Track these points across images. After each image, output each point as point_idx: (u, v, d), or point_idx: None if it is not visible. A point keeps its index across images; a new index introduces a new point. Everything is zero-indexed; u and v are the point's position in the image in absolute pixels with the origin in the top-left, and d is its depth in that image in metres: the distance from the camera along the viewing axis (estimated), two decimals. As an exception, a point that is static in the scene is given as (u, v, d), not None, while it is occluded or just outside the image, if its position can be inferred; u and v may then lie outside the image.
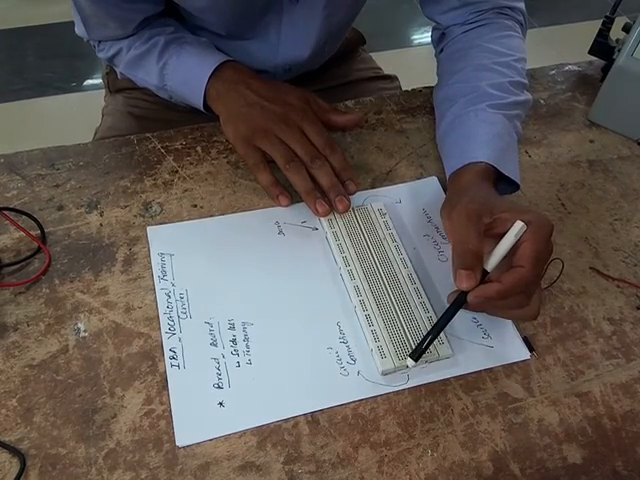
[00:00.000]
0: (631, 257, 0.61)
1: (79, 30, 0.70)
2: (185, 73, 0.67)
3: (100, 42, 0.71)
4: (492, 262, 0.49)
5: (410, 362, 0.50)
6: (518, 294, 0.48)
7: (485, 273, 0.49)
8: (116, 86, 0.85)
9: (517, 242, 0.49)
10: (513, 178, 0.58)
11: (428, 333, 0.50)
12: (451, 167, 0.60)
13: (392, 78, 0.93)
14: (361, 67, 0.92)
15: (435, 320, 0.53)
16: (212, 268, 0.57)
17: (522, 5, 0.72)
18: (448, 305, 0.50)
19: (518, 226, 0.49)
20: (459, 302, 0.49)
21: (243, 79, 0.65)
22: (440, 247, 0.60)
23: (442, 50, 0.73)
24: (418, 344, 0.50)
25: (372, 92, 0.87)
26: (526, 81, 0.66)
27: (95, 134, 0.84)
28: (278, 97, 0.64)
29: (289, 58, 0.74)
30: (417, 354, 0.49)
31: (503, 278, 0.48)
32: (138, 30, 0.68)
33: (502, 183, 0.59)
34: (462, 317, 0.54)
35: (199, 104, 0.66)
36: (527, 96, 0.66)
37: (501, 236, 0.49)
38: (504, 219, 0.50)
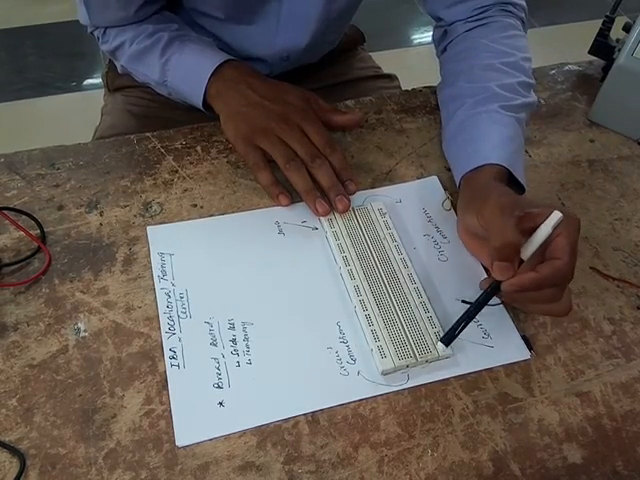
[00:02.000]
0: (631, 257, 0.61)
1: (82, 16, 0.70)
2: (186, 70, 0.67)
3: (104, 33, 0.70)
4: (528, 251, 0.49)
5: (441, 347, 0.50)
6: (552, 286, 0.48)
7: (520, 263, 0.49)
8: (115, 85, 0.85)
9: (550, 235, 0.49)
10: (522, 182, 0.58)
11: (461, 319, 0.50)
12: (463, 168, 0.59)
13: (392, 77, 0.93)
14: (361, 66, 0.92)
15: (435, 318, 0.53)
16: (212, 268, 0.57)
17: (523, 1, 0.72)
18: (481, 291, 0.51)
19: (556, 217, 0.49)
20: (493, 289, 0.50)
21: (244, 78, 0.65)
22: (440, 247, 0.60)
23: (445, 49, 0.73)
24: (449, 329, 0.50)
25: (371, 91, 0.87)
26: (533, 81, 0.66)
27: (95, 133, 0.84)
28: (279, 97, 0.64)
29: (288, 45, 0.74)
30: (449, 339, 0.50)
31: (539, 268, 0.48)
32: (140, 16, 0.67)
33: (509, 186, 0.59)
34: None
35: (199, 102, 0.66)
36: (534, 98, 0.65)
37: (531, 231, 0.50)
38: (534, 214, 0.50)
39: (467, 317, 0.50)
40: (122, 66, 0.72)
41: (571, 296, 0.51)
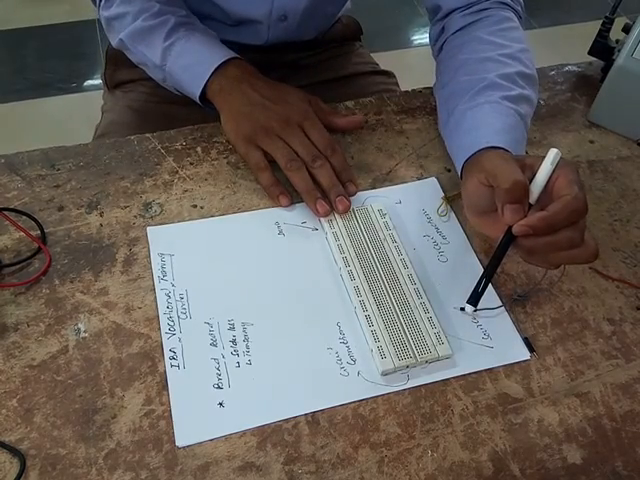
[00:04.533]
0: (631, 257, 0.61)
1: None
2: (189, 59, 0.66)
3: None
4: (534, 193, 0.49)
5: (469, 308, 0.49)
6: (564, 230, 0.47)
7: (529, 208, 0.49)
8: (114, 81, 0.85)
9: (551, 177, 0.49)
10: None
11: (482, 276, 0.50)
12: (464, 155, 0.58)
13: (389, 74, 0.93)
14: (358, 61, 0.92)
15: (435, 319, 0.53)
16: (212, 268, 0.57)
17: None
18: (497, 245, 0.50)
19: (552, 153, 0.48)
20: (508, 240, 0.49)
21: (247, 78, 0.65)
22: (440, 248, 0.60)
23: (441, 48, 0.72)
24: (474, 289, 0.50)
25: (369, 86, 0.87)
26: (531, 72, 0.65)
27: (95, 132, 0.84)
28: (280, 97, 0.64)
29: (285, 3, 0.73)
30: (475, 299, 0.49)
31: (549, 207, 0.47)
32: None
33: None
34: (462, 317, 0.54)
35: (196, 93, 0.66)
36: (533, 92, 0.64)
37: (531, 179, 0.49)
38: (530, 163, 0.50)
39: (488, 273, 0.49)
40: (120, 40, 0.70)
41: (594, 240, 0.49)
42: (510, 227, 0.49)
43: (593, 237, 0.49)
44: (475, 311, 0.50)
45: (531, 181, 0.50)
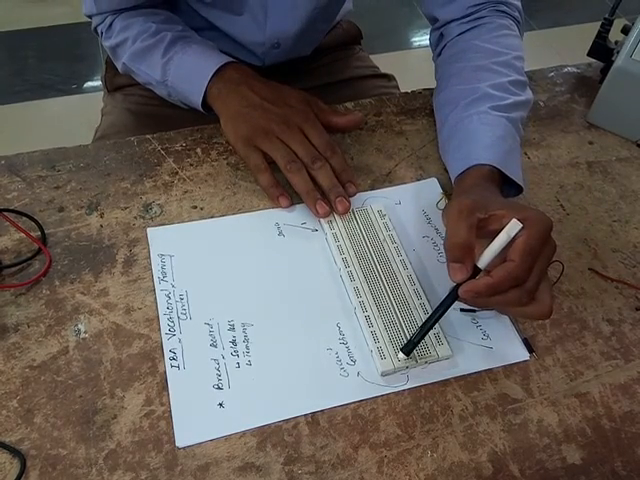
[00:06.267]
0: (630, 258, 0.61)
1: (87, 6, 0.70)
2: (188, 69, 0.67)
3: (110, 27, 0.70)
4: (484, 259, 0.49)
5: (401, 356, 0.50)
6: (512, 290, 0.47)
7: (478, 270, 0.49)
8: (114, 84, 0.86)
9: (515, 237, 0.48)
10: (517, 181, 0.58)
11: (421, 327, 0.50)
12: (456, 170, 0.59)
13: (389, 77, 0.93)
14: (358, 65, 0.92)
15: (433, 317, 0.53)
16: (212, 269, 0.57)
17: (518, 1, 0.73)
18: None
19: (513, 224, 0.48)
20: (453, 296, 0.49)
21: (245, 80, 0.65)
22: (440, 248, 0.60)
23: (440, 53, 0.73)
24: (410, 338, 0.50)
25: (370, 90, 0.88)
26: (525, 79, 0.66)
27: (95, 134, 0.84)
28: (279, 99, 0.64)
29: (277, 31, 0.74)
30: (409, 348, 0.50)
31: (493, 272, 0.47)
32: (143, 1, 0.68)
33: (505, 186, 0.59)
34: (462, 318, 0.55)
35: (198, 102, 0.66)
36: (527, 95, 0.65)
37: (496, 233, 0.49)
38: (500, 215, 0.49)
39: (428, 325, 0.50)
40: (124, 64, 0.71)
41: (552, 296, 0.49)
42: (457, 285, 0.48)
43: (552, 293, 0.49)
44: (407, 359, 0.50)
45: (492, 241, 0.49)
